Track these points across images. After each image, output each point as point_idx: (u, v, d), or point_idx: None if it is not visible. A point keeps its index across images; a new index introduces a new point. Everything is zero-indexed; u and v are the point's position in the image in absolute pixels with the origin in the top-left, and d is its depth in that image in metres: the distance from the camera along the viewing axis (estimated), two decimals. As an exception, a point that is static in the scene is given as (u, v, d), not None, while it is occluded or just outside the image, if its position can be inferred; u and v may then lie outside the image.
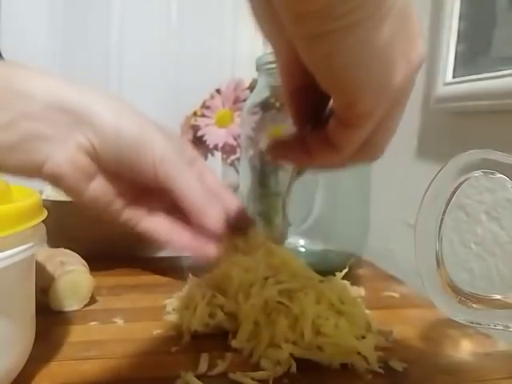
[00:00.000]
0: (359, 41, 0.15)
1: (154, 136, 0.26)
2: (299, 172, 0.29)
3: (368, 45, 0.15)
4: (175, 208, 0.29)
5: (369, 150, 0.21)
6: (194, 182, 0.27)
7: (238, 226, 0.30)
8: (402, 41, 0.16)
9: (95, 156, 0.26)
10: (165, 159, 0.26)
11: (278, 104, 0.40)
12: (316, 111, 0.22)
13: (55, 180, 0.26)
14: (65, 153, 0.25)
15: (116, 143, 0.25)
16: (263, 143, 0.39)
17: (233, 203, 0.30)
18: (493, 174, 0.18)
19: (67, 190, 0.26)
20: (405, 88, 0.18)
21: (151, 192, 0.29)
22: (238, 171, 0.54)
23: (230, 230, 0.29)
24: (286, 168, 0.41)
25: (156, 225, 0.29)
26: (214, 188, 0.31)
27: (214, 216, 0.28)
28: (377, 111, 0.18)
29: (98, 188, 0.27)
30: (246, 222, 0.32)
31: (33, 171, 0.26)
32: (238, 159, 0.53)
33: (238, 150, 0.53)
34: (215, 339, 0.27)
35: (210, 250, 0.28)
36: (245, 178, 0.43)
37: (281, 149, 0.24)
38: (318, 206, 0.42)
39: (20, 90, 0.24)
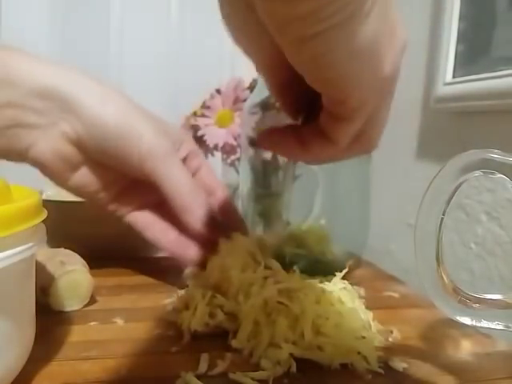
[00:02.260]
0: (346, 38, 0.15)
1: (141, 127, 0.25)
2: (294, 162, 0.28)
3: (355, 40, 0.15)
4: (165, 203, 0.28)
5: (363, 142, 0.21)
6: (183, 178, 0.26)
7: (226, 226, 0.30)
8: (386, 30, 0.16)
9: (80, 145, 0.25)
10: (152, 152, 0.25)
11: (278, 104, 0.40)
12: (307, 102, 0.21)
13: (39, 166, 0.26)
14: (49, 141, 0.25)
15: (101, 133, 0.25)
16: (255, 130, 0.38)
17: (225, 202, 0.29)
18: (493, 173, 0.18)
19: (51, 177, 0.26)
20: (392, 76, 0.18)
21: (140, 185, 0.28)
22: (237, 171, 0.54)
23: (216, 231, 0.28)
24: (285, 167, 0.41)
25: (141, 220, 0.29)
26: (208, 185, 0.30)
27: (200, 216, 0.27)
28: (368, 104, 0.18)
29: (83, 178, 0.27)
30: (236, 223, 0.31)
31: (16, 157, 0.25)
32: (238, 159, 0.53)
33: (238, 149, 0.53)
34: (215, 339, 0.27)
35: (191, 252, 0.28)
36: (245, 178, 0.43)
37: (275, 137, 0.23)
38: (318, 206, 0.42)
39: (5, 77, 0.24)
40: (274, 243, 0.36)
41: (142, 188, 0.28)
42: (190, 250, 0.28)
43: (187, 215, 0.27)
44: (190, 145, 0.30)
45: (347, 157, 0.22)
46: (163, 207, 0.29)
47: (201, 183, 0.29)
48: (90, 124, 0.25)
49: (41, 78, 0.24)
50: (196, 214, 0.28)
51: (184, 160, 0.29)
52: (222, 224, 0.29)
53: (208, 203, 0.28)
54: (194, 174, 0.29)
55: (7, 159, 0.25)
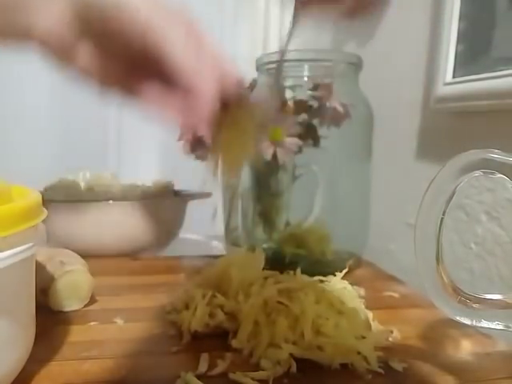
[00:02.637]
0: None
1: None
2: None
3: None
4: (168, 88, 0.28)
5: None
6: (188, 46, 0.26)
7: (232, 98, 0.29)
8: None
9: (82, 16, 0.25)
10: (153, 22, 0.25)
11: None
12: None
13: (45, 38, 0.26)
14: (54, 11, 0.25)
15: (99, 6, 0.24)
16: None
17: (231, 72, 0.28)
18: (493, 173, 0.18)
19: (57, 52, 0.26)
20: None
21: (144, 69, 0.28)
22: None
23: (224, 102, 0.27)
24: (284, 167, 0.41)
25: (148, 93, 0.28)
26: (213, 58, 0.29)
27: (209, 82, 0.26)
28: None
29: (87, 55, 0.26)
30: (242, 94, 0.30)
31: (22, 31, 0.25)
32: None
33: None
34: (215, 339, 0.27)
35: (201, 124, 0.26)
36: (245, 178, 0.43)
37: None
38: (318, 206, 0.42)
39: None
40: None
41: (144, 72, 0.28)
42: (200, 121, 0.27)
43: (196, 81, 0.26)
44: (193, 24, 0.29)
45: (354, 17, 0.24)
46: (165, 93, 0.28)
47: (204, 54, 0.28)
48: None
49: None
50: (206, 79, 0.26)
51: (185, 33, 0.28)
52: (229, 95, 0.28)
53: (217, 75, 0.27)
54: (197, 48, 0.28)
55: (9, 37, 0.26)
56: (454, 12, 0.41)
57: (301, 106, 0.40)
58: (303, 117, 0.40)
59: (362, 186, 0.45)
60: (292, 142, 0.38)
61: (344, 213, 0.43)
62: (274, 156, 0.38)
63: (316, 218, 0.43)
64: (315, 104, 0.39)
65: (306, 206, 0.42)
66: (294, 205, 0.44)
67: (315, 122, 0.40)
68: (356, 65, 0.42)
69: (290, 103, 0.40)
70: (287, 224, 0.43)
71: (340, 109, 0.40)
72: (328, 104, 0.39)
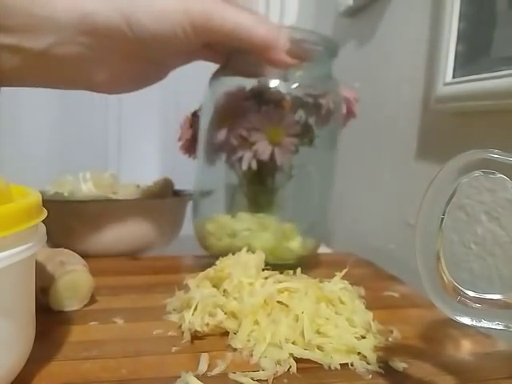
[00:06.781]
0: None
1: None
2: None
3: None
4: None
5: None
6: (250, 19, 0.33)
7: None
8: None
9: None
10: (238, 21, 0.32)
11: (278, 101, 0.40)
12: None
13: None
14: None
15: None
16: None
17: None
18: (493, 173, 0.18)
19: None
20: None
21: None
22: (237, 171, 0.54)
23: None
24: (282, 168, 0.41)
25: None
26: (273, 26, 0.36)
27: (283, 47, 0.34)
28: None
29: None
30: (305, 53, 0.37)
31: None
32: (239, 159, 0.53)
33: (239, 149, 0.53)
34: (215, 339, 0.27)
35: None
36: (242, 178, 0.43)
37: None
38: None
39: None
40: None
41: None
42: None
43: (271, 51, 0.34)
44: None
45: None
46: None
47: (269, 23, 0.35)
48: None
49: None
50: (279, 46, 0.34)
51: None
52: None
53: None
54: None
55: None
56: (454, 12, 0.41)
57: (297, 102, 0.40)
58: (300, 114, 0.40)
59: (325, 174, 0.44)
60: (291, 142, 0.38)
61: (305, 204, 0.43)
62: (272, 156, 0.38)
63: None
64: (310, 100, 0.39)
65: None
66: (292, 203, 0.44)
67: (311, 120, 0.40)
68: (331, 50, 0.40)
69: (288, 99, 0.39)
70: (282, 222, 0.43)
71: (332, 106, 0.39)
72: (324, 101, 0.39)
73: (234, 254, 0.34)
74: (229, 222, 0.41)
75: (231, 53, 0.39)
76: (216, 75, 0.42)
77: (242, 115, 0.38)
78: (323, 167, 0.43)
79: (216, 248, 0.41)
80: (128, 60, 0.34)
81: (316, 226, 0.44)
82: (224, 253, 0.35)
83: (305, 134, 0.40)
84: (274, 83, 0.39)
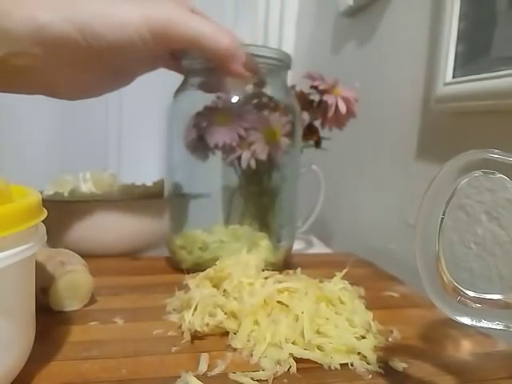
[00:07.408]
0: None
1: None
2: None
3: None
4: None
5: None
6: (217, 31, 0.33)
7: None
8: None
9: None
10: (198, 29, 0.32)
11: (272, 104, 0.40)
12: None
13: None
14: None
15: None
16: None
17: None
18: (493, 173, 0.18)
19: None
20: None
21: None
22: (237, 171, 0.54)
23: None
24: (279, 168, 0.41)
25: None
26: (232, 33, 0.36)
27: (231, 36, 0.34)
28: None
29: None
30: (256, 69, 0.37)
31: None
32: (239, 159, 0.53)
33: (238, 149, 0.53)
34: (215, 339, 0.27)
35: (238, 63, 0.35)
36: (240, 178, 0.43)
37: None
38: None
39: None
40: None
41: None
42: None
43: (233, 61, 0.34)
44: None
45: None
46: None
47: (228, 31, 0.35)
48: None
49: None
50: (240, 57, 0.35)
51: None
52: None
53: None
54: None
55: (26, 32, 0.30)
56: (454, 12, 0.41)
57: (302, 98, 0.40)
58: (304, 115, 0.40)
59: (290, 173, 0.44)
60: (286, 142, 0.38)
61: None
62: (269, 155, 0.38)
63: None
64: (316, 98, 0.39)
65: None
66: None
67: (316, 123, 0.41)
68: (284, 62, 0.40)
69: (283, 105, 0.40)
70: (282, 225, 0.43)
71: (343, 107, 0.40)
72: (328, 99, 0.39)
73: (203, 268, 0.32)
74: (201, 235, 0.41)
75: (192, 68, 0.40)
76: (179, 89, 0.43)
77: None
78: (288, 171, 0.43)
79: (188, 262, 0.41)
80: (87, 68, 0.34)
81: (285, 230, 0.44)
82: (195, 266, 0.35)
83: (310, 136, 0.40)
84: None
